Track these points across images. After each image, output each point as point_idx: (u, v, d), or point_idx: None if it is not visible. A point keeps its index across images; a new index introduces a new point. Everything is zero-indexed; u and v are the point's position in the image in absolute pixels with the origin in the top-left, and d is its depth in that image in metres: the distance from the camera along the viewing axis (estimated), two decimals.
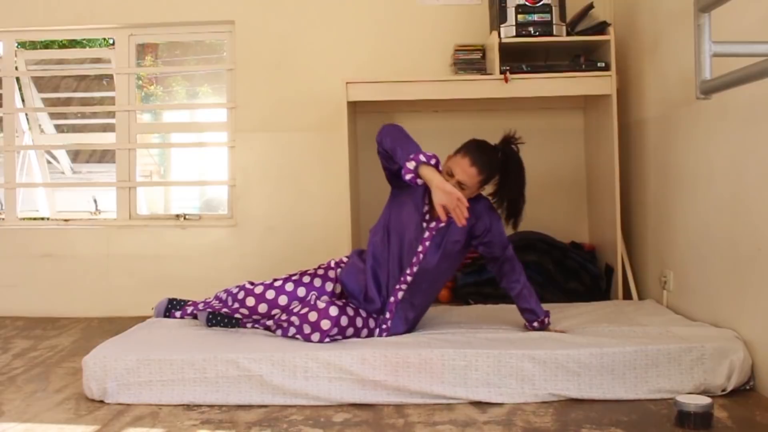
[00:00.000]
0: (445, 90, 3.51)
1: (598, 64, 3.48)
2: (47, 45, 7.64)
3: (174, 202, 5.73)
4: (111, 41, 4.71)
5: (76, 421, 2.22)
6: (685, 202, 2.95)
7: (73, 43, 8.34)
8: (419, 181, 2.55)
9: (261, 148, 4.08)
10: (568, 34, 3.53)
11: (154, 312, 3.05)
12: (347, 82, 3.52)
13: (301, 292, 2.71)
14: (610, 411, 2.21)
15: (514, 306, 2.75)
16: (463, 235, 2.66)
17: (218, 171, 4.54)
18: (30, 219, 4.72)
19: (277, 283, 2.72)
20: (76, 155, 7.06)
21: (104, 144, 5.68)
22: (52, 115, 5.22)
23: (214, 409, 2.31)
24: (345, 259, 2.86)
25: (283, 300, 2.69)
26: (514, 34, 3.50)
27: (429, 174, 2.52)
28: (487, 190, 2.72)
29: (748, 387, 2.37)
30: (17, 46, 4.41)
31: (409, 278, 2.66)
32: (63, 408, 2.35)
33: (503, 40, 3.49)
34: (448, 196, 2.47)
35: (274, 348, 2.44)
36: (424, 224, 2.66)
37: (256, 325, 2.77)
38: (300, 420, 2.20)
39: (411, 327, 2.74)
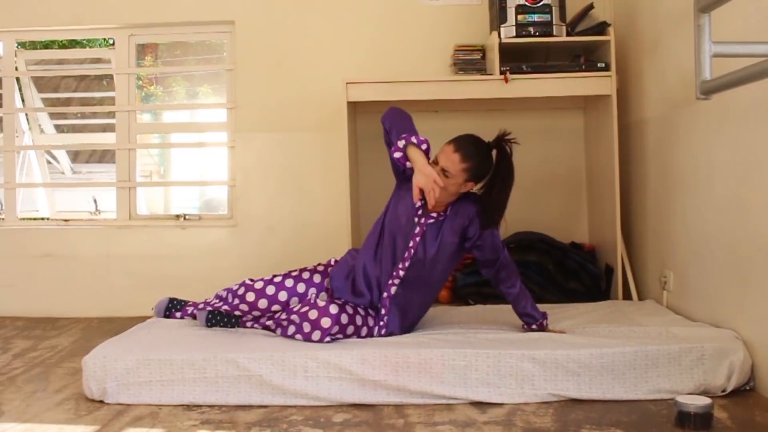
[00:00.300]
0: (445, 90, 3.51)
1: (598, 65, 3.48)
2: (47, 45, 7.64)
3: (174, 202, 5.72)
4: (111, 41, 4.71)
5: (75, 421, 2.22)
6: (685, 203, 2.95)
7: (73, 43, 8.34)
8: (408, 164, 2.56)
9: (261, 148, 4.08)
10: (568, 34, 3.53)
11: (155, 311, 3.05)
12: (347, 82, 3.52)
13: (301, 288, 2.72)
14: (610, 411, 2.21)
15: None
16: (455, 234, 2.64)
17: (218, 171, 4.54)
18: (30, 219, 4.72)
19: (277, 279, 2.73)
20: (76, 155, 7.06)
21: (104, 144, 5.68)
22: (52, 115, 5.22)
23: (214, 409, 2.31)
24: None
25: (282, 296, 2.69)
26: (514, 34, 3.50)
27: (415, 155, 2.53)
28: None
29: (748, 387, 2.37)
30: (17, 46, 4.41)
31: (401, 272, 2.65)
32: (63, 408, 2.35)
33: (503, 41, 3.49)
34: (426, 178, 2.47)
35: (274, 348, 2.44)
36: (416, 219, 2.66)
37: (256, 325, 2.77)
38: (300, 420, 2.20)
39: (409, 326, 2.73)
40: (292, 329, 2.58)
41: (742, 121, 2.47)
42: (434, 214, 2.65)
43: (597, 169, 3.77)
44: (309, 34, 4.04)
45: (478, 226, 2.62)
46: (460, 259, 2.81)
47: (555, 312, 2.93)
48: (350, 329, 2.58)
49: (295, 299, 2.70)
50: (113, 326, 3.59)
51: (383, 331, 2.66)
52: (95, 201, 4.97)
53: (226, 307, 2.77)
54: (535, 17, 3.49)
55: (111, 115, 4.51)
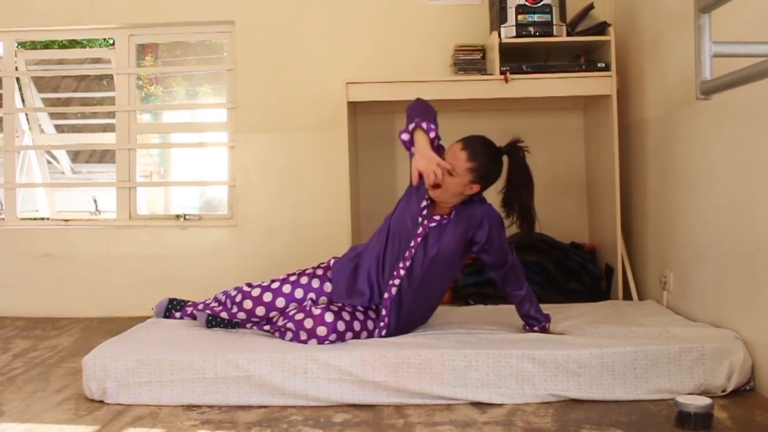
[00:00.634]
0: (445, 90, 3.51)
1: (598, 65, 3.48)
2: (47, 45, 7.63)
3: (174, 202, 5.72)
4: (111, 41, 4.71)
5: (75, 422, 2.22)
6: (685, 203, 2.95)
7: (73, 43, 8.34)
8: (413, 150, 2.56)
9: (261, 148, 4.08)
10: (569, 34, 3.53)
11: (155, 311, 3.05)
12: (347, 82, 3.52)
13: (299, 293, 2.69)
14: (610, 411, 2.21)
15: (514, 307, 2.73)
16: (459, 240, 2.61)
17: (218, 171, 4.54)
18: (30, 219, 4.72)
19: (274, 285, 2.71)
20: (76, 155, 7.06)
21: (104, 144, 5.68)
22: (52, 115, 5.22)
23: (214, 410, 2.31)
24: None
25: (280, 302, 2.68)
26: (515, 34, 3.50)
27: (419, 138, 2.54)
28: (492, 196, 2.69)
29: (748, 387, 2.37)
30: (17, 46, 4.41)
31: (402, 272, 2.64)
32: (63, 408, 2.35)
33: (503, 41, 3.49)
34: (427, 162, 2.48)
35: (274, 348, 2.44)
36: (420, 219, 2.65)
37: (255, 327, 2.76)
38: (300, 420, 2.20)
39: (411, 329, 2.72)
40: (289, 336, 2.56)
41: (742, 121, 2.47)
42: (437, 217, 2.63)
43: (597, 169, 3.77)
44: (309, 34, 4.04)
45: (487, 232, 2.59)
46: (463, 263, 2.78)
47: (555, 312, 2.93)
48: (349, 335, 2.56)
49: (293, 305, 2.68)
50: (113, 326, 3.59)
51: (383, 332, 2.65)
52: (95, 201, 4.97)
53: (224, 313, 2.77)
54: (535, 17, 3.49)
55: (111, 115, 4.51)
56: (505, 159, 2.64)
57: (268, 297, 2.68)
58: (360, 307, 2.65)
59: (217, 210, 5.29)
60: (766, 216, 2.32)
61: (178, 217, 4.20)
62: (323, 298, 2.70)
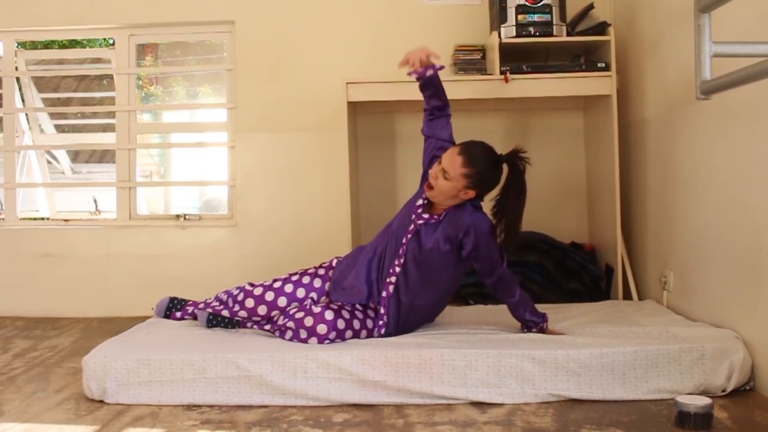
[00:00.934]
0: (445, 90, 3.50)
1: (598, 65, 3.47)
2: (47, 45, 7.63)
3: (174, 202, 5.72)
4: (111, 41, 4.70)
5: (76, 421, 2.22)
6: (685, 202, 2.95)
7: (73, 43, 8.33)
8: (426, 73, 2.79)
9: (261, 148, 4.08)
10: (569, 34, 3.53)
11: (155, 310, 3.04)
12: (347, 82, 3.52)
13: (301, 293, 2.70)
14: (610, 411, 2.21)
15: None
16: (447, 242, 2.58)
17: (218, 171, 4.54)
18: (30, 219, 4.72)
19: (276, 285, 2.71)
20: (76, 155, 7.06)
21: (104, 144, 5.68)
22: (52, 115, 5.22)
23: (214, 409, 2.31)
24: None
25: (282, 302, 2.68)
26: (515, 34, 3.50)
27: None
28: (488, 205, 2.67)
29: (748, 387, 2.37)
30: (17, 46, 4.41)
31: (397, 269, 2.63)
32: (63, 408, 2.35)
33: (503, 41, 3.49)
34: (417, 50, 2.73)
35: (274, 348, 2.44)
36: (413, 216, 2.65)
37: (255, 327, 2.76)
38: (300, 420, 2.20)
39: (410, 330, 2.71)
40: (289, 334, 2.56)
41: (742, 121, 2.47)
42: (426, 215, 2.64)
43: (597, 169, 3.77)
44: (309, 34, 4.04)
45: (473, 239, 2.56)
46: (465, 269, 2.74)
47: (555, 312, 2.93)
48: (348, 333, 2.56)
49: (294, 304, 2.68)
50: (113, 326, 3.59)
51: (382, 331, 2.64)
52: (95, 201, 4.97)
53: (226, 311, 2.77)
54: (535, 17, 3.49)
55: (111, 115, 4.51)
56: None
57: (270, 296, 2.68)
58: (359, 306, 2.65)
59: (217, 210, 5.29)
60: (766, 216, 2.32)
61: (178, 217, 4.20)
62: (324, 298, 2.70)
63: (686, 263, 2.95)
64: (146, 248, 4.10)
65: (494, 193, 2.64)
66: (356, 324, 2.59)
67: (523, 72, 3.47)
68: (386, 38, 3.99)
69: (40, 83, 5.57)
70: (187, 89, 7.41)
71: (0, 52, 4.36)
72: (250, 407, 2.32)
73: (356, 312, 2.62)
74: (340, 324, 2.53)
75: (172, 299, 3.06)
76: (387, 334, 2.64)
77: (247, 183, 4.09)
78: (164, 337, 2.66)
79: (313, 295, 2.70)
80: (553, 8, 3.49)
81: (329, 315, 2.52)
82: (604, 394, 2.30)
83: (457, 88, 3.51)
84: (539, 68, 3.51)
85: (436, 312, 2.82)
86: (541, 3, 3.48)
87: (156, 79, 7.47)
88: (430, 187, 2.58)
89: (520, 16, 3.48)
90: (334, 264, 2.83)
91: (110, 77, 5.74)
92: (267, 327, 2.70)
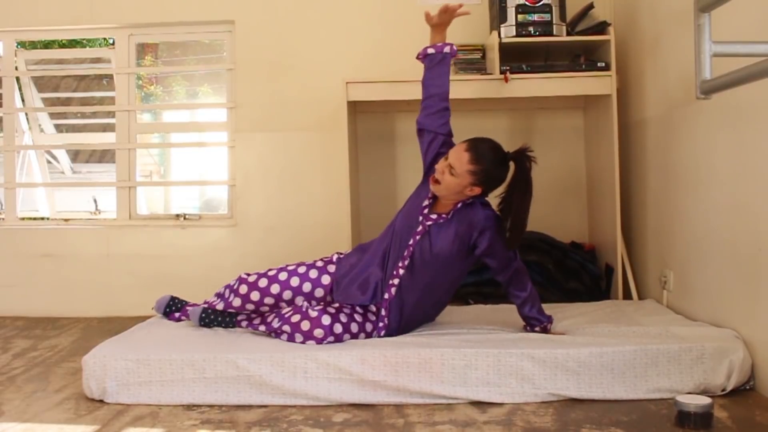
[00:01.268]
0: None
1: (598, 64, 3.47)
2: (47, 45, 7.64)
3: (174, 202, 5.73)
4: (111, 41, 4.71)
5: (75, 421, 2.22)
6: (685, 202, 2.95)
7: (73, 43, 8.34)
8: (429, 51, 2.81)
9: (261, 148, 4.08)
10: (568, 34, 3.53)
11: (155, 306, 3.04)
12: (347, 82, 3.52)
13: (295, 281, 2.68)
14: (610, 411, 2.21)
15: (514, 306, 2.72)
16: (459, 241, 2.58)
17: (218, 171, 4.54)
18: (30, 219, 4.72)
19: (271, 272, 2.71)
20: (76, 155, 7.07)
21: (104, 144, 5.68)
22: (52, 115, 5.21)
23: (214, 409, 2.31)
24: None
25: (275, 288, 2.66)
26: (514, 34, 3.50)
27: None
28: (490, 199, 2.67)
29: (748, 387, 2.37)
30: (17, 46, 4.41)
31: (401, 271, 2.62)
32: (63, 408, 2.35)
33: (503, 40, 3.49)
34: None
35: (274, 348, 2.44)
36: (420, 218, 2.64)
37: (250, 326, 2.75)
38: (300, 420, 2.20)
39: (414, 327, 2.71)
40: (284, 338, 2.55)
41: (742, 120, 2.47)
42: (434, 216, 2.63)
43: (597, 168, 3.77)
44: (309, 34, 4.04)
45: (489, 237, 2.57)
46: (469, 267, 2.74)
47: (555, 312, 2.92)
48: (346, 337, 2.54)
49: (288, 292, 2.67)
50: (113, 326, 3.59)
51: (382, 333, 2.64)
52: (95, 201, 4.97)
53: (221, 304, 2.76)
54: (535, 17, 3.49)
55: (111, 114, 4.51)
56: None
57: (263, 282, 2.68)
58: (359, 308, 2.64)
59: (217, 210, 5.30)
60: (766, 216, 2.32)
61: (178, 216, 4.20)
62: (319, 290, 2.67)
63: (686, 263, 2.95)
64: (146, 248, 4.10)
65: (499, 191, 2.63)
66: (354, 327, 2.57)
67: (522, 72, 3.47)
68: (386, 38, 3.99)
69: (40, 83, 5.57)
70: (187, 89, 7.41)
71: (0, 52, 4.36)
72: (250, 407, 2.32)
73: (355, 315, 2.61)
74: (337, 328, 2.52)
75: (174, 298, 3.05)
76: (387, 335, 2.64)
77: (246, 183, 4.09)
78: (164, 337, 2.65)
79: (308, 285, 2.67)
80: (553, 8, 3.49)
81: (326, 320, 2.50)
82: (604, 393, 2.30)
83: (456, 87, 3.49)
84: (539, 68, 3.51)
85: (437, 311, 2.82)
86: (541, 3, 3.48)
87: (156, 78, 7.48)
88: (437, 182, 2.58)
89: (520, 16, 3.48)
90: (334, 259, 2.80)
91: (110, 77, 5.75)
92: (261, 328, 2.68)
